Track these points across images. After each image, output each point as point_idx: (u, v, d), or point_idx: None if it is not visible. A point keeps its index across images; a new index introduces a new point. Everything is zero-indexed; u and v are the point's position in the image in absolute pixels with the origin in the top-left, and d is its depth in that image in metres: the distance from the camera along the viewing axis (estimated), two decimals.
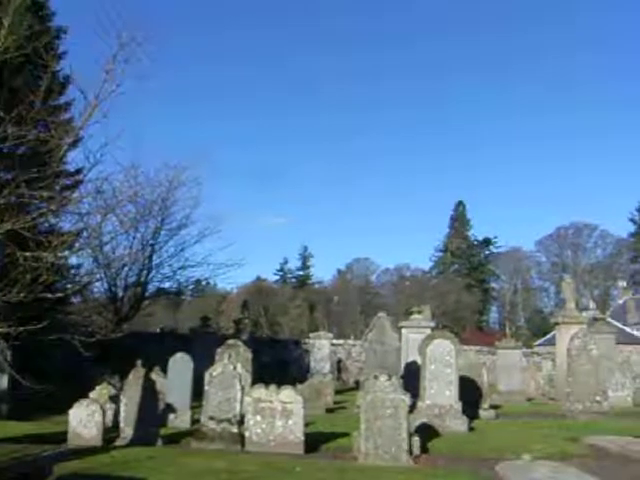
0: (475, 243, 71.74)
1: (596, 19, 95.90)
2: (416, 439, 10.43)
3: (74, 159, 15.43)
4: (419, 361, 14.67)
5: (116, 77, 9.53)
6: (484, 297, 67.47)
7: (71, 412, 11.33)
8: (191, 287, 30.91)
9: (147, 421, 11.43)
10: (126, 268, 24.54)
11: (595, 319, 26.06)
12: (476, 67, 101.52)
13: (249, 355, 18.62)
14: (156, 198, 25.04)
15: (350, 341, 34.31)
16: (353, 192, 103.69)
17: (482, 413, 16.26)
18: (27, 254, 9.40)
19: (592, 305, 35.91)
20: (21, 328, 9.94)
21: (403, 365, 18.39)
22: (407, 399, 10.16)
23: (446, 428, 13.16)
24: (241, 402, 11.09)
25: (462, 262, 69.87)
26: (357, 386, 23.68)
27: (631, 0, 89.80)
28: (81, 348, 11.29)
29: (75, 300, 22.17)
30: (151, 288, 25.98)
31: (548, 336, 40.12)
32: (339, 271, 73.43)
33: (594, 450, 11.25)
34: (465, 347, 29.25)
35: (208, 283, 40.11)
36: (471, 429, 13.64)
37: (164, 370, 14.66)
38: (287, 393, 10.94)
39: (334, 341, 28.75)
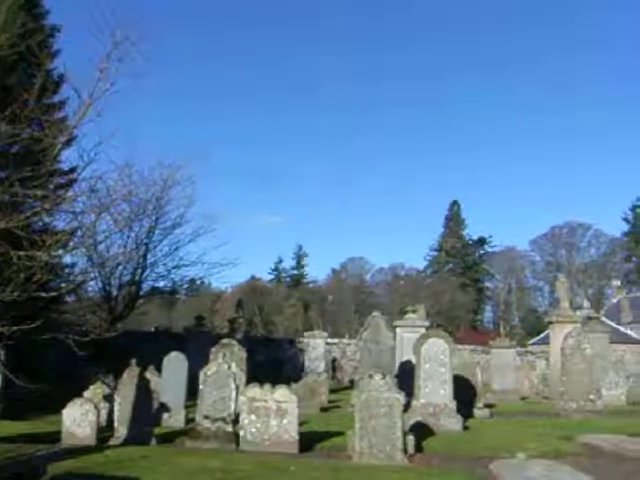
0: (470, 242, 71.87)
1: (595, 19, 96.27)
2: (410, 438, 10.45)
3: (68, 158, 15.37)
4: (413, 360, 14.68)
5: (110, 76, 9.49)
6: (478, 296, 67.61)
7: (65, 411, 11.30)
8: (185, 286, 30.86)
9: (141, 420, 11.42)
10: (120, 267, 24.51)
11: (589, 318, 26.10)
12: (474, 67, 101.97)
13: (243, 354, 18.62)
14: (150, 197, 25.01)
15: (345, 340, 34.30)
16: (348, 191, 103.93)
17: (476, 412, 16.30)
18: (21, 253, 9.36)
19: (586, 304, 35.97)
20: (15, 327, 9.89)
21: (398, 364, 18.41)
22: (401, 398, 10.18)
23: (440, 427, 13.19)
24: (236, 401, 11.09)
25: (457, 261, 70.00)
26: (352, 385, 23.66)
27: (630, 0, 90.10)
28: (75, 347, 11.23)
29: (69, 299, 22.09)
30: (145, 287, 25.96)
31: (542, 335, 40.23)
32: (334, 270, 73.55)
33: (588, 449, 11.29)
34: (459, 346, 29.33)
35: (202, 282, 40.05)
36: (465, 428, 13.66)
37: (158, 369, 14.65)
38: (282, 392, 10.94)
39: (329, 340, 28.76)
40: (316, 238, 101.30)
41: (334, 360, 31.29)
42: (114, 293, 24.49)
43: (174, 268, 26.06)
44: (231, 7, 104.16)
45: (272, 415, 10.79)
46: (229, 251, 53.38)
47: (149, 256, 25.34)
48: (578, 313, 25.62)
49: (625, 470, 9.47)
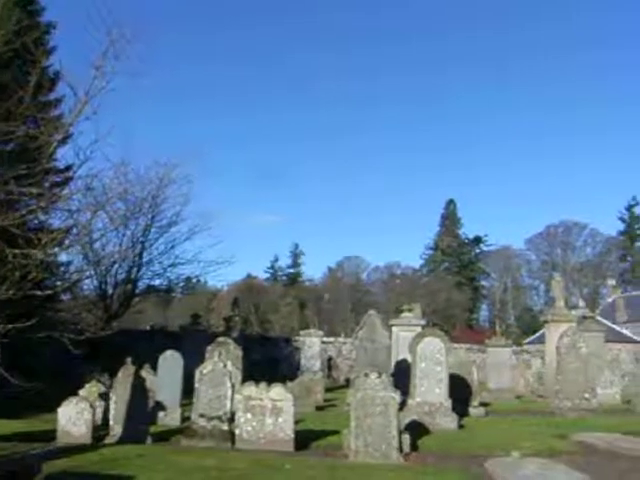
0: (465, 241, 71.91)
1: (593, 16, 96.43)
2: (406, 436, 10.46)
3: (64, 156, 15.34)
4: (409, 359, 14.71)
5: (106, 74, 9.45)
6: (474, 295, 67.68)
7: (60, 410, 11.29)
8: (181, 284, 30.89)
9: (137, 419, 11.40)
10: (116, 265, 24.46)
11: (584, 317, 26.15)
12: (471, 64, 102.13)
13: (239, 353, 18.59)
14: (146, 195, 24.95)
15: (341, 339, 34.33)
16: (343, 190, 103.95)
17: (472, 411, 16.33)
18: (16, 251, 9.33)
19: (581, 303, 36.01)
20: (10, 325, 9.87)
21: (393, 363, 18.44)
22: (397, 397, 10.20)
23: (436, 425, 13.21)
24: (231, 400, 11.09)
25: (452, 260, 70.03)
26: (347, 384, 23.68)
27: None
28: (70, 346, 11.21)
29: (65, 297, 22.04)
30: (141, 285, 25.91)
31: (538, 334, 40.30)
32: (330, 269, 73.46)
33: (582, 447, 11.34)
34: (455, 345, 29.41)
35: (198, 281, 40.18)
36: (461, 426, 13.70)
37: (154, 368, 14.61)
38: (277, 391, 10.95)
39: (325, 339, 28.77)
40: (312, 236, 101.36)
41: (330, 359, 31.32)
42: (110, 291, 24.44)
43: (170, 266, 26.04)
44: (227, 5, 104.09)
45: (268, 414, 10.79)
46: (225, 249, 53.20)
47: (145, 254, 25.31)
48: (573, 312, 25.67)
49: (619, 468, 9.51)
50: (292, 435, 10.77)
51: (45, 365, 19.41)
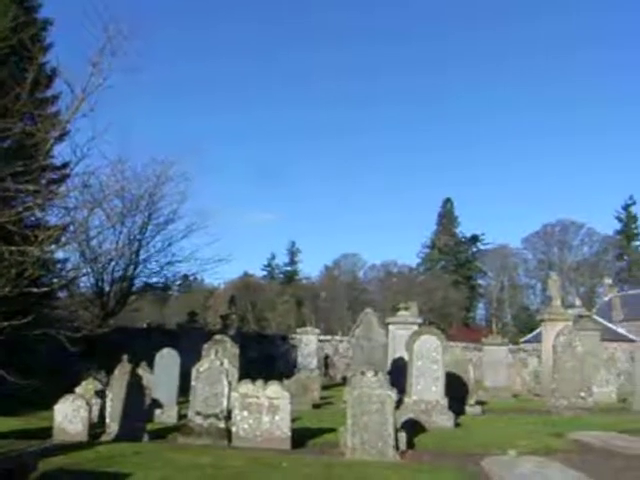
0: (462, 240, 71.99)
1: (592, 15, 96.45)
2: (402, 434, 10.47)
3: (61, 153, 15.29)
4: (406, 357, 14.72)
5: (103, 70, 9.44)
6: (471, 294, 67.77)
7: (56, 407, 11.27)
8: (178, 282, 30.77)
9: (133, 416, 11.39)
10: (113, 263, 24.41)
11: (580, 316, 26.22)
12: (470, 64, 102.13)
13: (236, 350, 18.59)
14: (143, 193, 24.90)
15: (337, 337, 34.33)
16: (341, 189, 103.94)
17: (468, 409, 16.36)
18: (13, 248, 9.31)
19: (578, 302, 36.09)
20: (6, 323, 9.86)
21: (390, 361, 18.45)
22: (393, 395, 10.21)
23: (432, 424, 13.23)
24: (228, 397, 11.09)
25: (449, 259, 70.12)
26: (344, 382, 23.69)
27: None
28: (67, 343, 11.21)
29: (61, 295, 21.98)
30: (138, 283, 25.86)
31: (534, 333, 40.38)
32: (327, 267, 73.47)
33: (578, 445, 11.37)
34: (452, 343, 29.38)
35: (195, 278, 40.00)
36: (457, 425, 13.71)
37: (151, 365, 14.61)
38: (274, 389, 10.95)
39: (321, 337, 28.77)
40: (309, 235, 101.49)
41: (326, 357, 31.33)
42: (106, 289, 24.40)
43: (167, 264, 26.01)
44: (225, 1, 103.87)
45: (264, 411, 10.79)
46: (222, 247, 53.42)
47: (142, 252, 25.27)
48: (570, 311, 25.71)
49: (614, 466, 9.53)
50: (289, 433, 10.77)
51: (41, 362, 19.37)
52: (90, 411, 11.65)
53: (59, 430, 11.15)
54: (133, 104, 66.13)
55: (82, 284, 25.00)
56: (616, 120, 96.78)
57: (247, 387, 10.99)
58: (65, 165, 15.88)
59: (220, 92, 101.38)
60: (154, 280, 26.60)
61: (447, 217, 72.10)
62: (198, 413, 11.07)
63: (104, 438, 11.30)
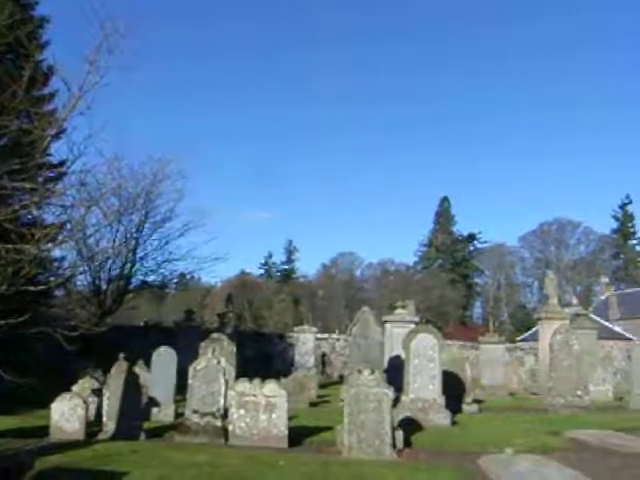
0: (459, 238, 72.05)
1: (592, 15, 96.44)
2: (399, 433, 10.48)
3: (57, 151, 15.22)
4: (403, 355, 14.73)
5: (100, 68, 9.39)
6: (468, 292, 67.86)
7: (53, 406, 11.26)
8: (175, 281, 30.85)
9: (130, 415, 11.38)
10: (110, 261, 24.41)
11: (577, 315, 26.23)
12: (468, 63, 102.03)
13: (233, 349, 18.58)
14: (140, 191, 24.91)
15: (334, 335, 34.35)
16: (338, 187, 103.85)
17: (465, 407, 16.38)
18: (9, 246, 9.27)
19: (574, 301, 36.12)
20: (2, 321, 9.82)
21: (387, 359, 18.48)
22: (390, 393, 10.21)
23: (429, 422, 13.24)
24: (225, 396, 11.08)
25: (446, 257, 70.18)
26: (341, 380, 23.73)
27: None
28: (64, 342, 11.16)
29: (58, 293, 21.93)
30: (135, 281, 25.89)
31: (531, 331, 40.43)
32: (324, 265, 73.49)
33: (575, 444, 11.40)
34: (449, 342, 29.46)
35: (192, 277, 40.07)
36: (454, 423, 13.73)
37: (148, 364, 14.61)
38: (271, 387, 10.95)
39: (318, 335, 28.73)
40: (306, 233, 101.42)
41: (323, 355, 31.35)
42: (103, 287, 24.38)
43: (164, 262, 26.03)
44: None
45: (261, 410, 10.80)
46: (219, 246, 53.52)
47: (139, 250, 25.27)
48: (567, 310, 25.75)
49: (611, 464, 9.56)
50: (286, 431, 10.78)
51: (38, 361, 19.33)
52: (87, 409, 11.64)
53: (56, 429, 11.13)
54: (130, 102, 66.07)
55: (79, 282, 25.01)
56: (613, 120, 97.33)
57: (244, 385, 10.99)
58: (62, 163, 15.82)
59: (217, 90, 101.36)
60: (151, 278, 26.66)
61: (444, 215, 72.17)
62: (195, 411, 11.07)
63: (101, 436, 11.28)
